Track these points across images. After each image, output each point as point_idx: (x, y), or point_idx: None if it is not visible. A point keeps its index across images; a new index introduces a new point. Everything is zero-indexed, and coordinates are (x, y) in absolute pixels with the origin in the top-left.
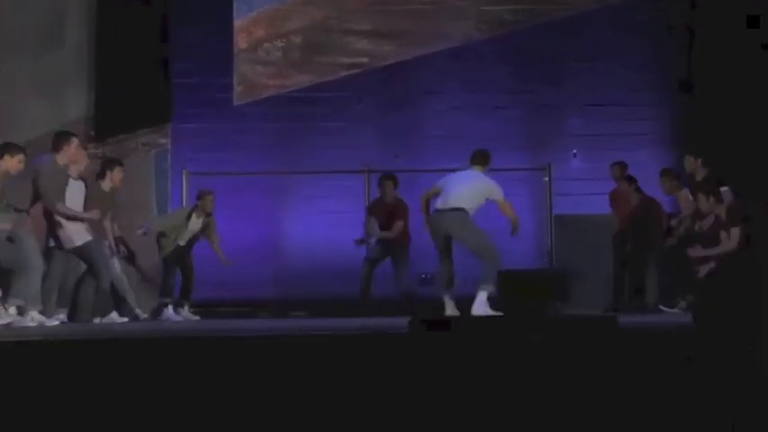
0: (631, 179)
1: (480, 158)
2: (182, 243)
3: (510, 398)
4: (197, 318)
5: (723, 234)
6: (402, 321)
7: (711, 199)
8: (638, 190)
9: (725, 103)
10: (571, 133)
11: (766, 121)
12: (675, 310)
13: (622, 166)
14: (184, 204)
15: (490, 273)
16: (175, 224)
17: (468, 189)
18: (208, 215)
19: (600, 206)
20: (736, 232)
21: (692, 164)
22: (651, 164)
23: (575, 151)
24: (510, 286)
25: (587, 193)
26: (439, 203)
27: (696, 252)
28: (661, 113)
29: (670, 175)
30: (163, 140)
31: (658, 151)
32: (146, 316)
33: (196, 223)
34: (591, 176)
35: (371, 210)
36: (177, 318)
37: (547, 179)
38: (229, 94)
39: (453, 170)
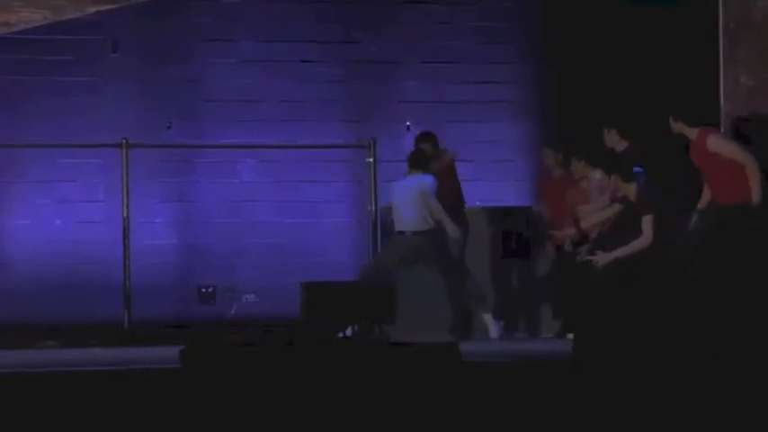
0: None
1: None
2: None
3: None
4: None
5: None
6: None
7: (614, 176)
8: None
9: (599, 65)
10: (403, 99)
11: (651, 81)
12: None
13: (556, 150)
14: None
15: None
16: None
17: None
18: None
19: None
20: (648, 222)
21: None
22: (514, 140)
23: (408, 123)
24: (315, 303)
25: None
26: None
27: (604, 258)
28: (525, 75)
29: (583, 155)
30: None
31: (521, 124)
32: None
33: None
34: None
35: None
36: None
37: (371, 160)
38: None
39: (245, 147)
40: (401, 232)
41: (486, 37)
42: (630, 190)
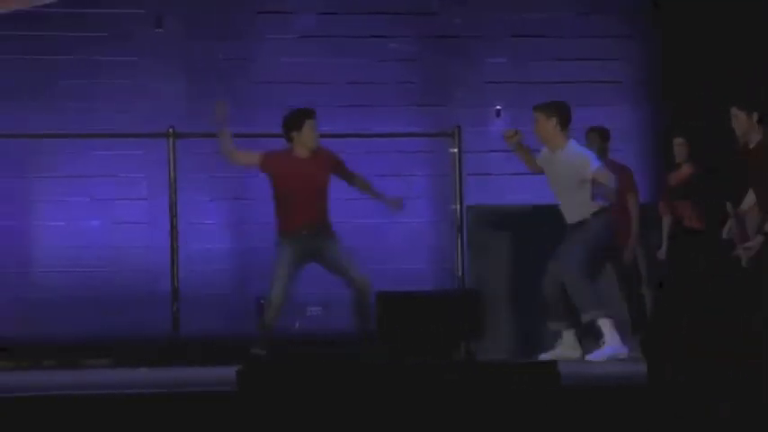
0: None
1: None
2: None
3: None
4: None
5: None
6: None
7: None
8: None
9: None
10: (491, 79)
11: None
12: None
13: (602, 133)
14: None
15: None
16: None
17: None
18: None
19: (539, 192)
20: None
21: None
22: (621, 126)
23: (498, 107)
24: (393, 315)
25: (519, 173)
26: None
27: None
28: (634, 51)
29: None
30: None
31: (630, 107)
32: None
33: None
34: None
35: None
36: None
37: (455, 150)
38: None
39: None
40: None
41: (590, 6)
42: None
